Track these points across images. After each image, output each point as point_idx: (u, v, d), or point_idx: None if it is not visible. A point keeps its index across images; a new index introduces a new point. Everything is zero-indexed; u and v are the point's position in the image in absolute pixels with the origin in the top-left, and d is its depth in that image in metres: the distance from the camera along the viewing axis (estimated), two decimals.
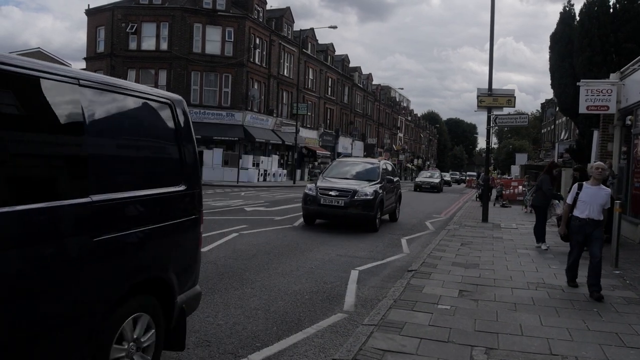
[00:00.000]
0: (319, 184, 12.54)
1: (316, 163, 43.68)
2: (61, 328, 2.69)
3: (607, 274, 7.81)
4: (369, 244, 10.48)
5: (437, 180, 36.93)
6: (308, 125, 44.14)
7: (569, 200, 6.78)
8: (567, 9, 22.07)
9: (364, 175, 13.16)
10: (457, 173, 77.80)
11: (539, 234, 10.42)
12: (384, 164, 14.29)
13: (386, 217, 14.11)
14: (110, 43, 32.83)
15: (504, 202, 22.53)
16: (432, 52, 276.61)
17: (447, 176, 56.70)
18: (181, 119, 3.90)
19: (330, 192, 11.99)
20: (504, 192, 23.59)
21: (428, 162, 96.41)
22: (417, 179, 38.94)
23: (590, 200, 6.50)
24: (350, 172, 13.60)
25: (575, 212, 6.64)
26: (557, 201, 11.00)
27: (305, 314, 5.51)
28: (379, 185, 12.57)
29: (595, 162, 13.65)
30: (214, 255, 8.31)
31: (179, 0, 32.54)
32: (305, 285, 6.74)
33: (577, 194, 6.64)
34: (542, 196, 10.54)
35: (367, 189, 12.06)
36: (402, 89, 77.73)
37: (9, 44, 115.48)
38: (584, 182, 6.77)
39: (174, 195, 3.70)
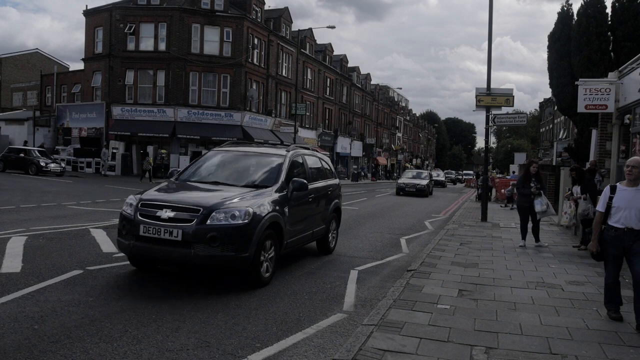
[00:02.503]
0: (146, 195, 6.62)
1: None
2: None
3: None
4: (368, 244, 10.48)
5: (425, 182, 29.40)
6: (307, 126, 44.14)
7: (600, 207, 5.58)
8: (565, 8, 22.10)
9: (253, 177, 7.42)
10: (453, 172, 74.07)
11: (534, 232, 10.48)
12: (296, 155, 8.12)
13: (313, 244, 8.95)
14: (108, 44, 32.78)
15: (509, 205, 21.72)
16: (429, 51, 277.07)
17: (442, 175, 50.99)
18: None
19: (161, 212, 6.12)
20: (502, 192, 23.57)
21: (427, 162, 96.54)
22: (399, 181, 31.24)
23: (626, 205, 5.30)
24: (229, 170, 7.77)
25: (610, 221, 5.45)
26: (538, 198, 10.42)
27: (304, 314, 5.51)
28: (276, 195, 6.88)
29: (593, 159, 13.74)
30: None
31: (177, 0, 32.51)
32: (305, 285, 6.73)
33: (610, 198, 5.47)
34: (521, 195, 10.59)
35: (240, 203, 6.28)
36: (400, 88, 77.62)
37: (6, 45, 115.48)
38: (618, 184, 5.59)
39: None
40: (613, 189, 5.52)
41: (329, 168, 9.58)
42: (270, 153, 8.19)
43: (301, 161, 8.28)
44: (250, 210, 6.16)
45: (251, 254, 6.11)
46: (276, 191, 6.97)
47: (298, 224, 7.53)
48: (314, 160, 8.97)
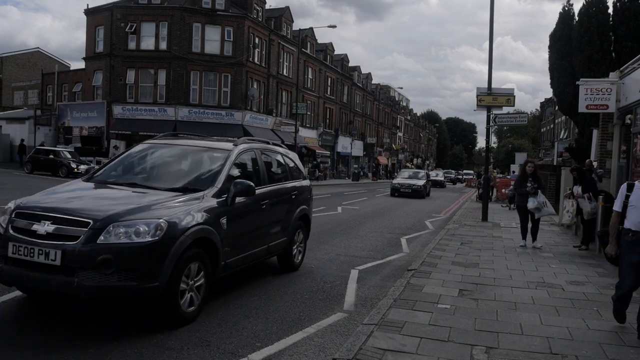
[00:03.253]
0: (25, 201, 5.01)
1: (315, 162, 43.72)
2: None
3: (608, 272, 7.82)
4: (368, 244, 10.48)
5: (421, 183, 27.67)
6: (307, 125, 44.13)
7: (617, 206, 5.10)
8: (567, 8, 22.10)
9: (184, 178, 5.96)
10: (453, 172, 72.31)
11: (532, 232, 10.46)
12: (245, 150, 6.56)
13: (274, 258, 7.43)
14: (109, 43, 32.76)
15: (510, 205, 21.52)
16: (430, 51, 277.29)
17: (440, 175, 48.84)
18: None
19: (38, 225, 4.56)
20: (503, 192, 23.56)
21: (428, 162, 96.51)
22: (393, 181, 29.15)
23: None
24: (156, 169, 6.33)
25: (627, 223, 4.92)
26: (533, 197, 10.26)
27: (305, 314, 5.51)
28: (211, 202, 5.36)
29: (588, 160, 13.72)
30: None
31: (178, 0, 32.52)
32: (305, 285, 6.74)
33: (627, 196, 4.97)
34: (519, 195, 10.62)
35: (151, 213, 4.77)
36: (401, 88, 77.64)
37: (7, 44, 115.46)
38: (636, 182, 5.10)
39: None
40: (630, 187, 5.02)
41: (295, 167, 7.98)
42: (212, 147, 6.47)
43: (253, 158, 6.69)
44: (163, 223, 4.58)
45: (162, 283, 4.52)
46: (212, 196, 5.39)
47: (244, 238, 5.95)
48: (273, 157, 7.41)
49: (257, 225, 6.34)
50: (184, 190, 5.44)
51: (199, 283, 5.07)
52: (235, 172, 6.03)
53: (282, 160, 7.63)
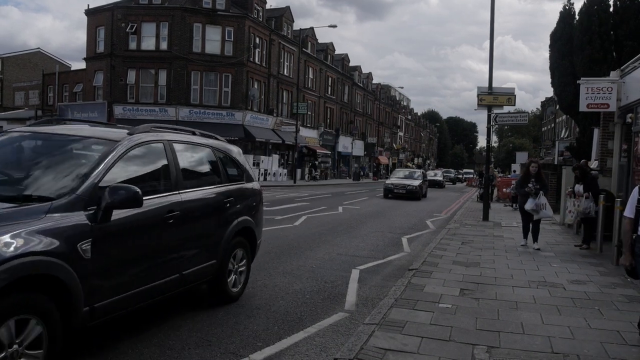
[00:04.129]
0: None
1: (317, 162, 43.76)
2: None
3: (609, 271, 7.81)
4: (369, 243, 10.48)
5: (417, 183, 25.57)
6: (308, 125, 44.14)
7: (628, 212, 4.68)
8: (567, 7, 22.09)
9: (31, 180, 3.98)
10: (452, 171, 69.84)
11: (532, 234, 10.43)
12: (146, 141, 4.56)
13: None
14: (110, 43, 32.80)
15: (513, 205, 21.39)
16: (430, 50, 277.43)
17: (439, 175, 45.04)
18: None
19: None
20: (505, 191, 23.55)
21: (428, 161, 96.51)
22: (387, 181, 26.98)
23: None
24: (3, 167, 4.26)
25: None
26: (532, 198, 10.13)
27: (306, 313, 5.51)
28: (66, 217, 3.51)
29: (584, 160, 13.71)
30: None
31: (179, 0, 32.53)
32: (306, 285, 6.73)
33: (639, 200, 4.61)
34: (520, 195, 10.60)
35: None
36: (402, 87, 77.93)
37: (7, 44, 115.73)
38: None
39: None
40: None
41: (234, 166, 6.09)
42: (92, 137, 4.48)
43: (160, 153, 4.74)
44: None
45: None
46: (69, 209, 3.58)
47: (131, 268, 4.14)
48: (196, 151, 5.46)
49: (158, 248, 4.46)
50: (24, 199, 3.63)
51: (33, 345, 3.24)
52: (124, 172, 4.18)
53: (211, 157, 5.63)
